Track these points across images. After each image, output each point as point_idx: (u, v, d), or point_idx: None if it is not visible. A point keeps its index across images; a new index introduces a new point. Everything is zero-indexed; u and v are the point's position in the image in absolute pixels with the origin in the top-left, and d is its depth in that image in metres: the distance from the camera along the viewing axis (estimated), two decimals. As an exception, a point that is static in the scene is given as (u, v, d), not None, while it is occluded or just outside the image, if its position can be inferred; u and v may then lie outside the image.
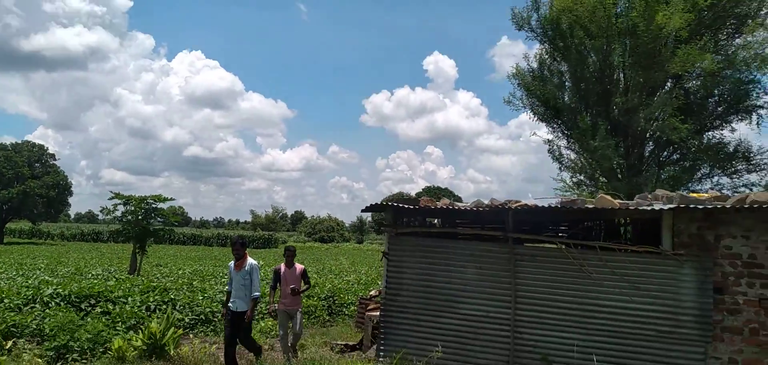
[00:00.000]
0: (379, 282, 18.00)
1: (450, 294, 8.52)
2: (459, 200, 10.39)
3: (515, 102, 22.11)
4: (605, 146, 17.72)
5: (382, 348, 8.67)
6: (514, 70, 21.90)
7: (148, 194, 21.18)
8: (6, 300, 10.87)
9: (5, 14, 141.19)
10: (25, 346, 8.46)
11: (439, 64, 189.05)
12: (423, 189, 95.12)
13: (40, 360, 7.90)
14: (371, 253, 55.91)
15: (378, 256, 46.90)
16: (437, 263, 8.68)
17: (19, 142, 66.75)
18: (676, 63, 16.85)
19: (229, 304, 8.22)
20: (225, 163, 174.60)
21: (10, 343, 8.38)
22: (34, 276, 16.52)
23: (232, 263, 8.33)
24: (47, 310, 10.44)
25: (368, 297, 11.96)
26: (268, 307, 9.26)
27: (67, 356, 8.67)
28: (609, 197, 8.02)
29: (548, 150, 21.72)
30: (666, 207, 7.50)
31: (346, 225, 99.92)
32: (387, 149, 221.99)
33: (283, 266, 9.16)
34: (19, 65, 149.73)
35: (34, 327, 9.50)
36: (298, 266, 9.17)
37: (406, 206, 8.72)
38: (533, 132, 31.50)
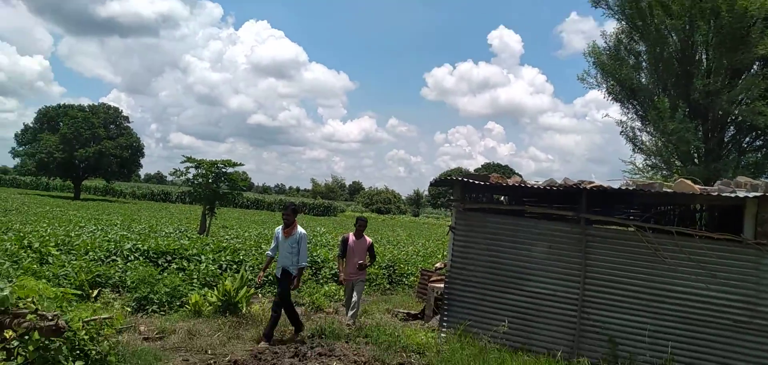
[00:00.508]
0: (440, 255, 18.11)
1: (516, 271, 8.50)
2: (519, 177, 10.27)
3: (589, 80, 21.41)
4: (684, 129, 16.94)
5: (445, 319, 8.78)
6: (590, 49, 21.19)
7: (215, 159, 21.97)
8: (91, 253, 11.65)
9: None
10: (109, 296, 9.06)
11: (505, 38, 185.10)
12: (482, 165, 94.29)
13: (127, 308, 8.44)
14: (427, 226, 56.08)
15: (434, 230, 47.17)
16: (504, 239, 8.66)
17: (96, 104, 70.32)
18: (765, 45, 15.87)
19: (276, 270, 8.22)
20: (287, 132, 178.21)
21: (95, 292, 8.99)
22: (113, 232, 17.54)
23: (279, 228, 8.22)
24: (128, 264, 11.12)
25: (433, 269, 12.07)
26: (339, 273, 9.38)
27: (147, 307, 9.25)
28: (689, 182, 7.74)
29: (621, 131, 20.99)
30: (751, 195, 7.19)
31: (403, 198, 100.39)
32: (446, 124, 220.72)
33: (351, 236, 9.12)
34: (96, 31, 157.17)
35: (117, 278, 10.16)
36: (367, 239, 9.14)
37: (476, 181, 8.71)
38: (605, 113, 30.68)
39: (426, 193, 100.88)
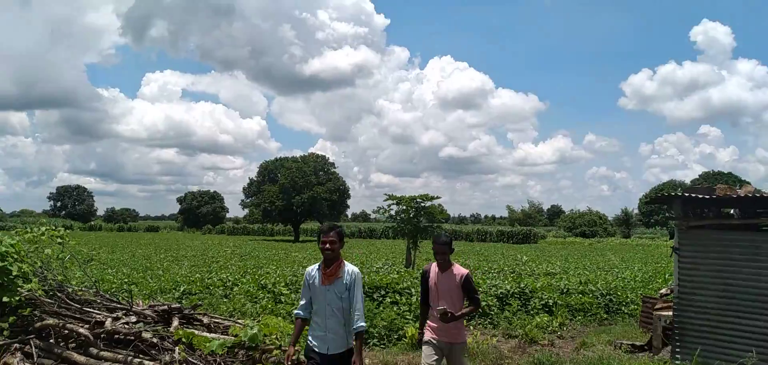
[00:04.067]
0: (660, 280, 16.52)
1: (759, 294, 7.41)
2: (748, 184, 8.96)
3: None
4: None
5: (677, 350, 7.96)
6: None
7: (413, 194, 22.93)
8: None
9: (290, 46, 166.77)
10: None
11: (710, 32, 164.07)
12: (700, 175, 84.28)
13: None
14: (641, 248, 51.48)
15: (650, 252, 43.22)
16: (740, 258, 7.64)
17: (306, 154, 78.27)
18: None
19: (312, 341, 4.72)
20: (478, 161, 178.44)
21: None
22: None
23: (313, 268, 4.82)
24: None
25: (657, 295, 11.06)
26: (418, 332, 5.87)
27: (369, 341, 9.87)
28: None
29: None
30: None
31: (609, 219, 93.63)
32: (651, 133, 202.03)
33: (433, 269, 5.62)
34: (301, 88, 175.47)
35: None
36: (458, 270, 5.50)
37: (699, 195, 7.86)
38: None
39: (636, 211, 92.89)
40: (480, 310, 11.87)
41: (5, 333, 6.94)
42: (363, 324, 4.65)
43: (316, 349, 4.64)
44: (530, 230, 77.34)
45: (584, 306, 12.92)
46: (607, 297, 13.87)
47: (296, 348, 4.89)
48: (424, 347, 5.46)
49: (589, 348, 9.41)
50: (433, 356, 5.37)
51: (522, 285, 13.73)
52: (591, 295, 13.75)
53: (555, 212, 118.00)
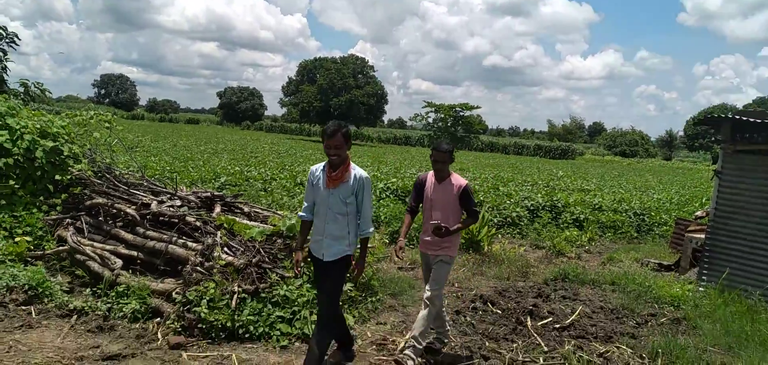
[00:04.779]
0: (698, 204, 16.27)
1: (800, 224, 7.29)
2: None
3: None
4: None
5: (705, 272, 7.98)
6: None
7: (452, 103, 22.70)
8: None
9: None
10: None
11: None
12: (754, 100, 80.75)
13: (384, 240, 9.42)
14: (681, 171, 50.31)
15: (690, 176, 42.30)
16: (786, 186, 7.45)
17: (345, 56, 77.48)
18: None
19: (311, 245, 4.46)
20: (522, 71, 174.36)
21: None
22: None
23: (318, 168, 4.41)
24: (380, 201, 12.30)
25: (692, 217, 10.95)
26: (396, 244, 5.37)
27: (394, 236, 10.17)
28: None
29: None
30: None
31: (652, 140, 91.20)
32: (708, 53, 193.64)
33: (429, 178, 5.11)
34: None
35: (373, 214, 11.35)
36: (457, 180, 5.01)
37: (750, 119, 7.59)
38: None
39: (681, 133, 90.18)
40: (509, 220, 12.06)
41: (58, 208, 7.42)
42: (370, 229, 4.41)
43: (314, 253, 4.39)
44: (569, 147, 76.07)
45: (615, 223, 12.91)
46: (640, 216, 13.80)
47: (303, 252, 4.55)
48: (422, 260, 5.31)
49: (615, 263, 9.51)
50: (425, 271, 5.24)
51: (554, 199, 13.75)
52: (623, 214, 13.70)
53: (596, 130, 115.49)
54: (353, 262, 4.51)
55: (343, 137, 4.13)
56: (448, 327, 5.43)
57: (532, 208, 13.10)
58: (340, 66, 73.22)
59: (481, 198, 13.30)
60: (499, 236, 11.20)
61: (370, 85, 73.85)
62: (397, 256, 4.97)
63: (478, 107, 23.65)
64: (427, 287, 5.02)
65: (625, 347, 5.51)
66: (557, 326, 6.04)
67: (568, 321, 6.17)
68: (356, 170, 4.29)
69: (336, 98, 69.36)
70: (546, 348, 5.40)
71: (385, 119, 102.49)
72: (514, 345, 5.44)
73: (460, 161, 37.07)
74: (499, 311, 6.49)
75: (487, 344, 5.45)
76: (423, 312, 4.94)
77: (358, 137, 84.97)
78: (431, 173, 5.08)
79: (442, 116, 22.91)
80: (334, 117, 71.75)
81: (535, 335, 5.73)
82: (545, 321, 6.14)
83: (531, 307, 6.47)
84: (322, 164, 4.36)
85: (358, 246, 4.46)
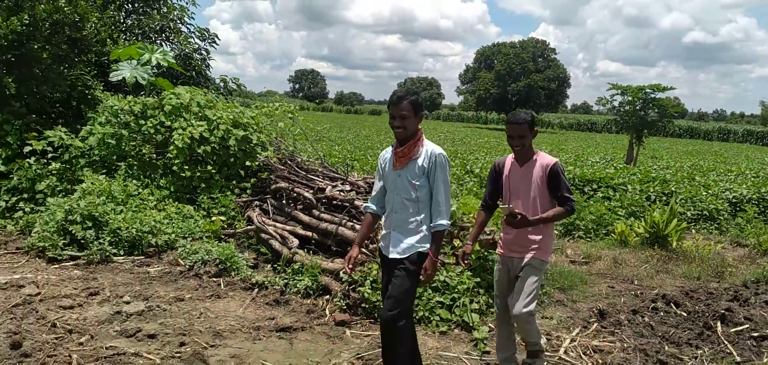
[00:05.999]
0: None
1: None
2: None
3: None
4: None
5: None
6: None
7: (642, 84, 20.71)
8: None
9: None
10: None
11: None
12: None
13: (555, 232, 8.97)
14: None
15: None
16: None
17: (525, 39, 75.12)
18: None
19: (381, 241, 3.81)
20: (731, 48, 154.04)
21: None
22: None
23: (388, 151, 3.76)
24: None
25: None
26: (462, 247, 4.63)
27: (574, 232, 9.57)
28: None
29: None
30: None
31: None
32: None
33: (508, 162, 4.04)
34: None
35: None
36: (544, 159, 3.86)
37: None
38: None
39: None
40: (706, 213, 10.66)
41: (248, 191, 8.27)
42: (444, 222, 3.50)
43: (381, 250, 3.72)
44: (789, 132, 65.23)
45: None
46: None
47: (359, 250, 3.86)
48: (496, 267, 4.17)
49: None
50: (501, 279, 4.05)
51: (763, 191, 11.88)
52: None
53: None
54: (426, 263, 3.55)
55: (410, 105, 3.46)
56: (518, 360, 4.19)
57: (734, 201, 11.49)
58: (519, 50, 71.21)
59: (673, 188, 11.97)
60: (693, 231, 9.98)
61: (551, 69, 70.75)
62: (463, 263, 4.21)
63: (672, 88, 21.08)
64: (514, 304, 3.80)
65: None
66: (755, 334, 5.18)
67: (772, 331, 5.28)
68: (429, 146, 3.56)
69: (514, 84, 67.68)
70: (739, 358, 4.67)
71: (568, 103, 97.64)
72: (699, 352, 4.79)
73: (652, 149, 33.89)
74: (684, 313, 5.77)
75: (666, 348, 4.87)
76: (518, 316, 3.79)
77: (537, 123, 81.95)
78: (511, 156, 4.01)
79: (630, 98, 20.91)
80: (511, 103, 70.29)
81: (726, 342, 4.98)
82: (740, 328, 5.31)
83: (723, 311, 5.64)
84: (392, 146, 3.70)
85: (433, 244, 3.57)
